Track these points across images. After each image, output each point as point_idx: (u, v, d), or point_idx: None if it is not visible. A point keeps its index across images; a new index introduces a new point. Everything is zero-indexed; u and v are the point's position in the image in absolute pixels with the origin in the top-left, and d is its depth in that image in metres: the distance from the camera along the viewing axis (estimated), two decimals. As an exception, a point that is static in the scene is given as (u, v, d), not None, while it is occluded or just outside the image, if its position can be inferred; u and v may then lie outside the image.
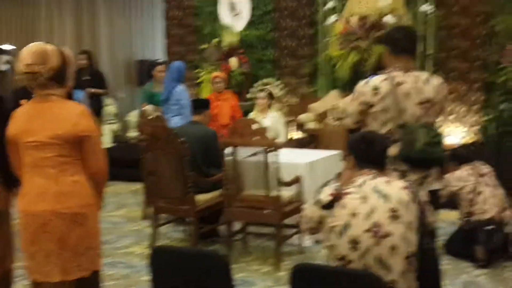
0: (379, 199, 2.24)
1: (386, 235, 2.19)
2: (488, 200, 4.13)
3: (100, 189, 2.71)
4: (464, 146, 6.59)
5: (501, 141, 5.62)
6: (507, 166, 5.04)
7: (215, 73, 6.59)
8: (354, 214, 2.23)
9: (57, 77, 2.56)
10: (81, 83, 6.86)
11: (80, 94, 6.85)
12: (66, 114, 2.54)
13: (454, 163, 4.42)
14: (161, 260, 2.01)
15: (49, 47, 2.56)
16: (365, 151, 2.40)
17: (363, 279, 1.63)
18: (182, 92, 5.78)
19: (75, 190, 2.58)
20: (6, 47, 8.48)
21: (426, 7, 7.36)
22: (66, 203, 2.55)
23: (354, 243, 2.20)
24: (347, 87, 7.84)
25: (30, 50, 2.52)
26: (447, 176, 4.31)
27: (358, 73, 7.32)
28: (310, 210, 2.49)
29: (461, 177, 4.27)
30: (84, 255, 2.60)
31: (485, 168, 4.37)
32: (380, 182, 2.31)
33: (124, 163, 7.28)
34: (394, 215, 2.21)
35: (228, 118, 6.07)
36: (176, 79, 5.83)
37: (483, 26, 7.11)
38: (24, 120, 2.58)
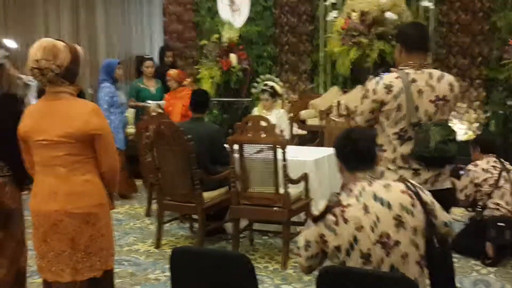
0: (381, 208, 2.11)
1: (396, 244, 2.08)
2: (505, 196, 4.09)
3: (111, 188, 2.67)
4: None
5: (507, 137, 5.60)
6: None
7: (169, 72, 6.59)
8: (359, 228, 2.09)
9: (68, 74, 2.51)
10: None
11: None
12: (77, 111, 2.50)
13: (477, 148, 4.34)
14: (182, 262, 1.97)
15: (60, 43, 2.51)
16: (351, 152, 2.24)
17: (392, 282, 1.60)
18: (102, 90, 5.96)
19: (87, 189, 2.54)
20: (8, 42, 8.41)
21: (427, 3, 7.34)
22: (77, 203, 2.51)
23: (366, 256, 2.08)
24: (348, 84, 7.85)
25: (39, 46, 2.47)
26: (470, 167, 4.24)
27: (359, 70, 7.31)
28: (306, 234, 2.26)
29: (485, 169, 4.18)
30: (96, 255, 2.57)
31: (509, 164, 4.27)
32: (379, 188, 2.16)
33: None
34: (399, 222, 2.10)
35: (180, 117, 6.03)
36: (104, 77, 5.99)
37: (484, 22, 7.10)
38: (35, 118, 2.53)
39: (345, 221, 2.10)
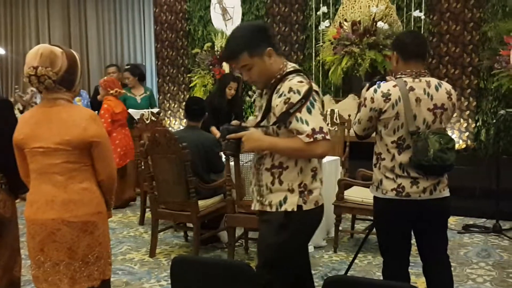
0: None
1: None
2: None
3: (109, 196, 2.63)
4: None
5: (497, 146, 5.63)
6: (504, 171, 5.04)
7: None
8: None
9: (65, 81, 2.47)
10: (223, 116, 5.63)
11: None
12: (75, 119, 2.46)
13: None
14: (183, 271, 1.94)
15: (57, 49, 2.47)
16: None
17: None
18: (83, 93, 6.49)
19: (84, 198, 2.50)
20: None
21: (418, 13, 7.41)
22: (75, 211, 2.47)
23: None
24: (339, 92, 7.88)
25: (36, 52, 2.43)
26: None
27: (351, 79, 7.34)
28: None
29: None
30: (94, 264, 2.54)
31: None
32: None
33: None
34: None
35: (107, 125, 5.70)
36: None
37: (475, 32, 7.17)
38: (31, 125, 2.49)
39: None
